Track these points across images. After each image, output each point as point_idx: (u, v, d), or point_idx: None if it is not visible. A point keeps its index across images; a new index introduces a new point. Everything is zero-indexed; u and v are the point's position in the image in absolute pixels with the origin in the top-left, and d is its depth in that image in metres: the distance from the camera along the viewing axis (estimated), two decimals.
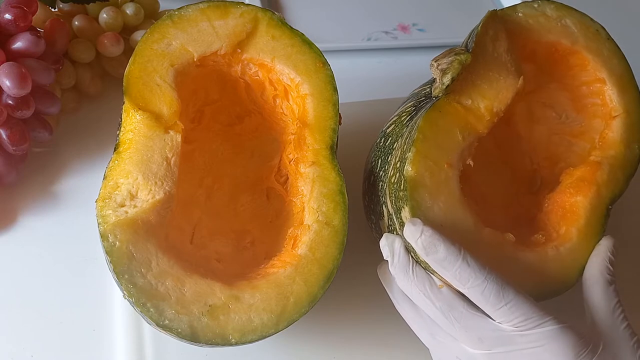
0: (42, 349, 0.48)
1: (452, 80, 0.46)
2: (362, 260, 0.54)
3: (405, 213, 0.43)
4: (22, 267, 0.53)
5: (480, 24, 0.48)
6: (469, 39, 0.49)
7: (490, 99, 0.47)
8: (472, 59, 0.46)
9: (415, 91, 0.53)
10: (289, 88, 0.49)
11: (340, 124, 0.48)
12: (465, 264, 0.40)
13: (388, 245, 0.45)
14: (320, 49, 0.49)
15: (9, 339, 0.48)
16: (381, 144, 0.50)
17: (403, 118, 0.50)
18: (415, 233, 0.41)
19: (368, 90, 0.71)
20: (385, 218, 0.47)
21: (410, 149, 0.44)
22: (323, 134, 0.47)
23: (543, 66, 0.54)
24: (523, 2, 0.51)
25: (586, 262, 0.46)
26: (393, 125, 0.50)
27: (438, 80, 0.47)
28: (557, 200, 0.49)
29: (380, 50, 0.77)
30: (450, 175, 0.44)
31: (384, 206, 0.47)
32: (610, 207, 0.48)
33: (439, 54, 0.49)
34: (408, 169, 0.43)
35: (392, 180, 0.45)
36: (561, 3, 0.51)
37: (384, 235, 0.46)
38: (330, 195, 0.46)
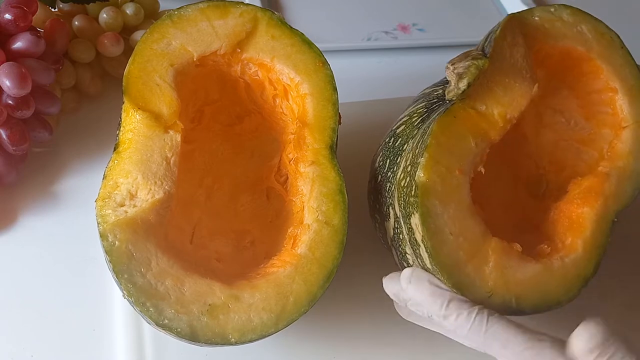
0: (42, 349, 0.48)
1: (469, 85, 0.45)
2: (362, 259, 0.54)
3: (415, 219, 0.43)
4: (22, 267, 0.53)
5: (498, 28, 0.48)
6: (486, 42, 0.49)
7: (504, 105, 0.46)
8: (489, 63, 0.46)
9: (426, 91, 0.53)
10: (288, 88, 0.49)
11: (340, 123, 0.48)
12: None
13: (392, 296, 0.44)
14: (320, 49, 0.49)
15: (9, 339, 0.48)
16: (390, 143, 0.50)
17: (414, 119, 0.49)
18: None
19: (368, 90, 0.71)
20: (392, 220, 0.47)
21: (422, 154, 0.43)
22: (323, 133, 0.47)
23: (555, 71, 0.53)
24: (540, 6, 0.51)
25: (589, 274, 0.46)
26: (403, 126, 0.50)
27: (453, 84, 0.46)
28: (564, 210, 0.49)
29: (380, 50, 0.77)
30: (462, 182, 0.44)
31: (390, 208, 0.47)
32: (615, 219, 0.47)
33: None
34: (420, 174, 0.43)
35: (402, 184, 0.45)
36: (577, 9, 0.51)
37: (384, 281, 0.45)
38: (330, 194, 0.46)
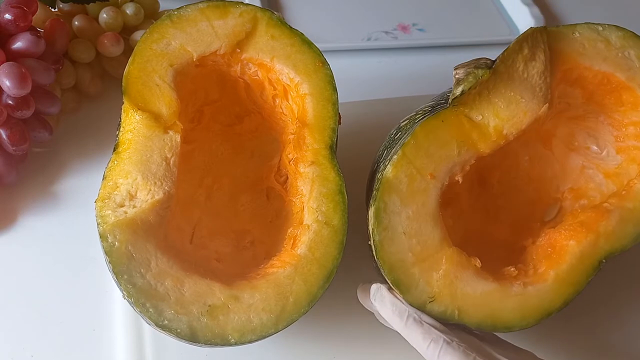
0: (42, 349, 0.48)
1: (462, 93, 0.44)
2: (362, 260, 0.53)
3: (371, 212, 0.43)
4: (22, 267, 0.53)
5: (515, 39, 0.46)
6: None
7: (502, 119, 0.45)
8: (496, 75, 0.44)
9: (444, 91, 0.52)
10: (288, 88, 0.49)
11: (339, 123, 0.48)
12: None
13: (366, 307, 0.46)
14: (320, 49, 0.49)
15: (9, 339, 0.48)
16: (392, 135, 0.50)
17: (417, 116, 0.49)
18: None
19: (368, 90, 0.70)
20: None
21: (397, 151, 0.43)
22: (322, 133, 0.47)
23: (594, 94, 0.50)
24: (586, 23, 0.48)
25: (554, 308, 0.44)
26: (407, 121, 0.50)
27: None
28: (550, 237, 0.47)
29: (380, 50, 0.77)
30: (431, 186, 0.43)
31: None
32: (604, 260, 0.45)
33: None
34: (388, 170, 0.43)
35: (378, 177, 0.45)
36: (631, 32, 0.47)
37: (358, 292, 0.47)
38: (330, 195, 0.46)
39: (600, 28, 0.47)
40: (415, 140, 0.44)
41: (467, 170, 0.45)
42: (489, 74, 0.44)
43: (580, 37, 0.47)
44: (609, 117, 0.51)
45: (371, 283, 0.45)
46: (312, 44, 0.49)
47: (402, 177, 0.43)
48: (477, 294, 0.43)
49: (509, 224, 0.54)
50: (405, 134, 0.47)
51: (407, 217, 0.43)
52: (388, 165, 0.43)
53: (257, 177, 0.55)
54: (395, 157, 0.43)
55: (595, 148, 0.53)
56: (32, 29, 0.55)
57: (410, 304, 0.43)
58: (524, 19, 0.81)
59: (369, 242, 0.45)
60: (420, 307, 0.42)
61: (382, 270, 0.43)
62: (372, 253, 0.45)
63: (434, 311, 0.42)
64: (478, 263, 0.44)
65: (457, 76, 0.45)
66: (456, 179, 0.45)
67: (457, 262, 0.43)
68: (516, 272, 0.46)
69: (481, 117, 0.45)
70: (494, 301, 0.43)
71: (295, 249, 0.44)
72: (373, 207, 0.42)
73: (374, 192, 0.43)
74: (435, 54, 0.76)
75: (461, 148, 0.44)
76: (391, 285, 0.43)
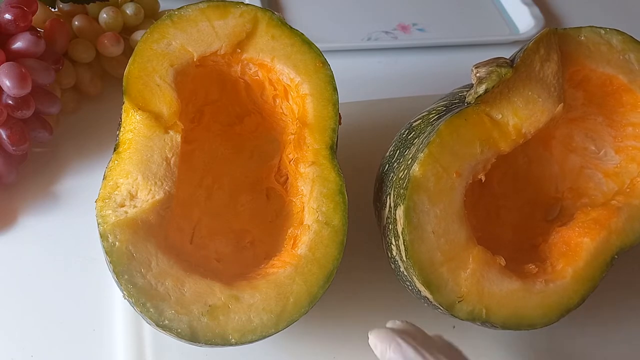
0: (42, 349, 0.48)
1: (486, 91, 0.45)
2: (362, 260, 0.54)
3: (400, 211, 0.43)
4: (22, 267, 0.53)
5: (533, 39, 0.46)
6: (518, 52, 0.47)
7: (521, 118, 0.45)
8: (514, 74, 0.45)
9: (454, 91, 0.52)
10: (288, 88, 0.49)
11: (340, 123, 0.48)
12: None
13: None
14: (320, 49, 0.49)
15: (9, 339, 0.48)
16: (404, 135, 0.50)
17: (432, 116, 0.49)
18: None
19: (368, 90, 0.71)
20: (386, 210, 0.47)
21: (423, 149, 0.43)
22: (323, 134, 0.47)
23: (594, 96, 0.51)
24: (590, 26, 0.49)
25: (572, 304, 0.44)
26: (420, 120, 0.50)
27: (473, 87, 0.46)
28: (564, 235, 0.48)
29: (380, 50, 0.77)
30: (457, 184, 0.44)
31: (388, 197, 0.47)
32: (616, 256, 0.46)
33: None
34: (415, 169, 0.43)
35: (400, 176, 0.45)
36: (630, 37, 0.49)
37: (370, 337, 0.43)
38: (330, 195, 0.46)
39: (603, 32, 0.49)
40: (440, 138, 0.44)
41: (489, 168, 0.45)
42: (511, 72, 0.45)
43: (586, 40, 0.48)
44: (608, 118, 0.52)
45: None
46: (313, 44, 0.49)
47: (430, 176, 0.43)
48: (503, 293, 0.43)
49: (511, 224, 0.54)
50: (421, 133, 0.47)
51: (435, 216, 0.43)
52: (414, 164, 0.43)
53: (257, 177, 0.55)
54: (421, 155, 0.43)
55: (593, 148, 0.54)
56: (32, 29, 0.55)
57: (440, 304, 0.43)
58: (524, 19, 0.81)
59: (392, 243, 0.45)
60: (450, 307, 0.43)
61: (412, 270, 0.43)
62: (394, 253, 0.45)
63: (462, 311, 0.43)
64: (502, 262, 0.44)
65: (478, 75, 0.45)
66: (479, 177, 0.45)
67: (483, 261, 0.43)
68: (536, 269, 0.46)
69: (501, 115, 0.45)
70: (518, 299, 0.44)
71: (296, 249, 0.44)
72: (402, 207, 0.42)
73: (402, 190, 0.43)
74: (435, 54, 0.76)
75: (483, 146, 0.45)
76: (422, 285, 0.43)
